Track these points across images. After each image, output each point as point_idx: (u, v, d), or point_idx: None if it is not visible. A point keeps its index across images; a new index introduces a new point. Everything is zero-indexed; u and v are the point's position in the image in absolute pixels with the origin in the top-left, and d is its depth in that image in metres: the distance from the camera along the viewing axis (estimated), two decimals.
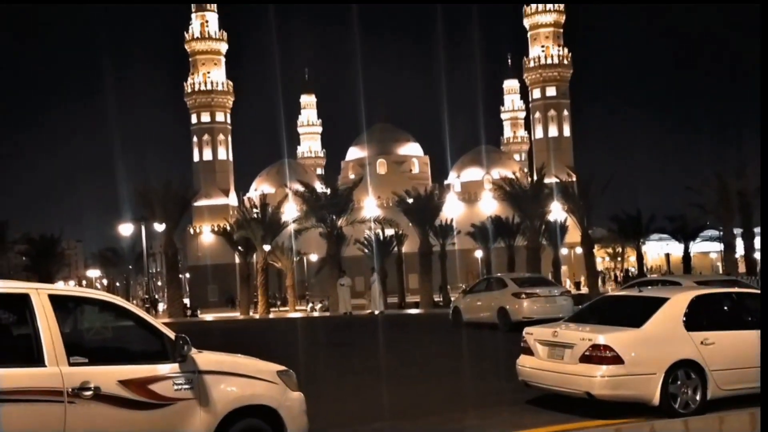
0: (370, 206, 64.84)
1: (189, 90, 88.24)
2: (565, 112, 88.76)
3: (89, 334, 6.35)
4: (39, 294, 5.64)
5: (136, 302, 62.43)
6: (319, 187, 67.79)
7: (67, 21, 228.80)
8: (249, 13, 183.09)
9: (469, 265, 68.81)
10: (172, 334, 6.20)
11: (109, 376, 5.67)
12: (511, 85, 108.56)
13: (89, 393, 5.50)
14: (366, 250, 55.13)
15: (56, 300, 5.73)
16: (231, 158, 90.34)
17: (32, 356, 5.44)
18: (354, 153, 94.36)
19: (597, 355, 9.30)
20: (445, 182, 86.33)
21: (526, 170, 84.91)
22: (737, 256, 49.53)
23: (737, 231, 49.57)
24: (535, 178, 63.66)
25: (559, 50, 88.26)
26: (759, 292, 12.78)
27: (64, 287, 7.03)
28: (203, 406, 6.14)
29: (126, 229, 56.70)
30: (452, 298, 37.70)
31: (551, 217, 56.54)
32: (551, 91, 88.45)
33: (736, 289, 12.73)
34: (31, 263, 49.81)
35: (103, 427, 5.61)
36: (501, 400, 10.43)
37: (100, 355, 5.92)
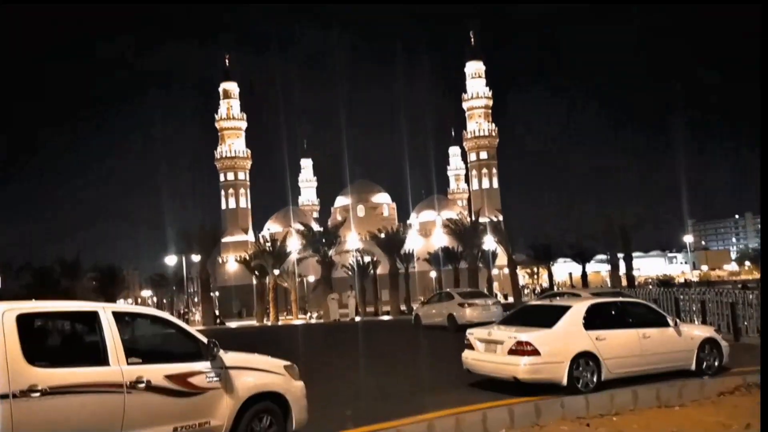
0: (352, 240, 64.80)
1: (218, 156, 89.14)
2: (494, 170, 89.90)
3: (143, 341, 6.29)
4: (105, 311, 5.65)
5: (176, 315, 61.70)
6: (315, 226, 67.94)
7: (126, 104, 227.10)
8: (264, 95, 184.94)
9: (426, 282, 68.45)
10: (204, 339, 6.19)
11: (157, 372, 5.66)
12: (454, 150, 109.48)
13: (142, 385, 5.49)
14: (350, 273, 54.97)
15: (117, 315, 5.73)
16: (249, 205, 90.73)
17: (99, 358, 5.41)
18: (340, 201, 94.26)
19: (520, 349, 9.32)
20: (408, 221, 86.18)
21: (466, 213, 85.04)
22: (620, 273, 49.82)
23: (620, 255, 49.94)
24: (473, 218, 63.90)
25: (488, 125, 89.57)
26: (637, 300, 12.89)
27: (124, 305, 6.99)
28: (229, 393, 6.13)
29: (170, 260, 56.50)
30: (414, 308, 37.56)
31: (485, 247, 56.82)
32: (483, 155, 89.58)
33: (620, 299, 12.89)
34: (99, 286, 49.15)
35: (153, 411, 5.59)
36: (451, 384, 10.38)
37: (151, 356, 5.88)
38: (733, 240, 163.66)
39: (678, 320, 11.49)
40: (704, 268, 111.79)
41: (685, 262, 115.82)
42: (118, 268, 52.15)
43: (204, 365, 6.04)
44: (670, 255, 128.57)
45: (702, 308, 17.83)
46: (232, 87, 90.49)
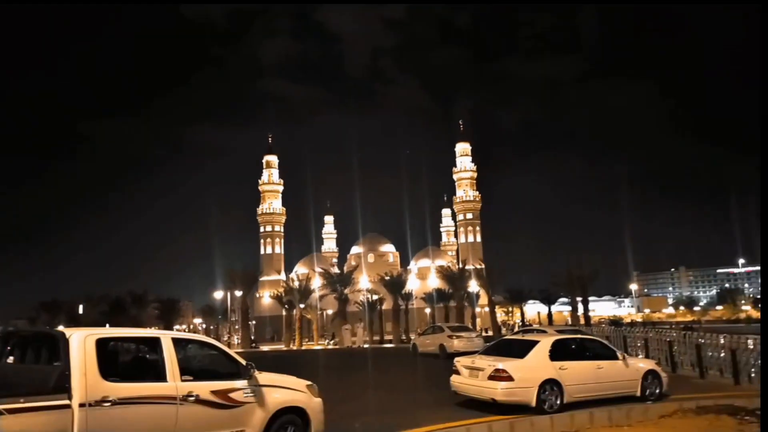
0: (363, 281, 64.48)
1: (260, 212, 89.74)
2: (477, 227, 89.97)
3: (194, 361, 6.23)
4: (165, 337, 5.62)
5: (219, 340, 60.89)
6: (334, 270, 67.59)
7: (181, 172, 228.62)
8: (296, 166, 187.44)
9: (422, 317, 67.51)
10: (243, 361, 6.12)
11: (205, 388, 5.59)
12: (446, 211, 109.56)
13: (193, 398, 5.42)
14: (360, 308, 54.45)
15: (175, 341, 5.69)
16: (282, 251, 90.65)
17: (159, 375, 5.37)
18: (355, 249, 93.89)
19: (498, 375, 9.16)
20: (408, 267, 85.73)
21: (455, 261, 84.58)
22: (579, 314, 49.05)
23: (579, 298, 49.32)
24: (460, 266, 63.50)
25: (473, 192, 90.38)
26: (593, 337, 12.65)
27: (179, 332, 6.95)
28: (261, 407, 6.02)
29: (218, 294, 56.34)
30: (412, 338, 37.00)
31: (470, 289, 56.32)
32: (469, 216, 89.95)
33: (579, 336, 12.67)
34: (160, 315, 48.83)
35: (200, 420, 5.50)
36: (441, 403, 10.14)
37: (200, 375, 5.80)
38: (670, 288, 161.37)
39: (626, 354, 11.28)
40: (647, 311, 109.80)
41: (632, 306, 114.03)
42: (176, 300, 51.84)
43: (242, 383, 5.96)
44: (619, 299, 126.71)
45: (645, 345, 17.48)
46: (272, 159, 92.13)
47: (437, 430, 7.64)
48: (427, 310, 64.12)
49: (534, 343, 9.96)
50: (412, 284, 65.67)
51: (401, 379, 15.86)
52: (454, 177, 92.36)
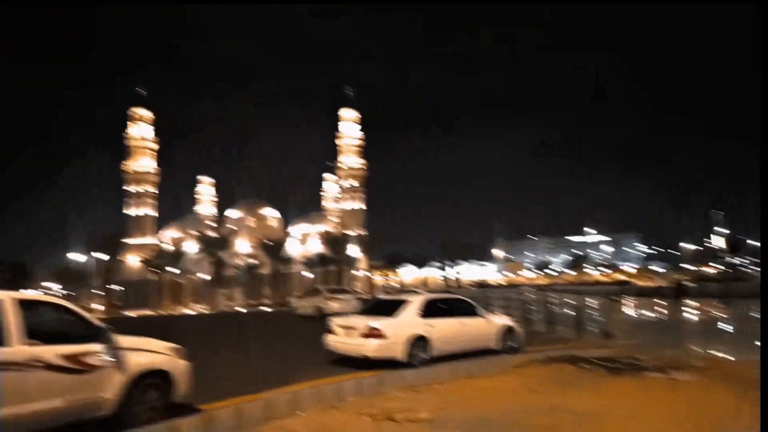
0: (242, 245, 62.80)
1: (127, 169, 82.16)
2: (361, 195, 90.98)
3: (45, 326, 5.68)
4: (6, 297, 5.07)
5: (80, 306, 56.11)
6: (210, 234, 64.82)
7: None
8: (176, 123, 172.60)
9: (302, 281, 67.75)
10: (100, 324, 5.73)
11: (54, 352, 5.15)
12: (330, 176, 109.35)
13: (41, 364, 4.97)
14: (239, 272, 53.16)
15: (20, 303, 5.15)
16: (153, 213, 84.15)
17: (2, 340, 4.84)
18: (233, 213, 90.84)
19: (371, 333, 9.47)
20: (290, 232, 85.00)
21: (338, 227, 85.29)
22: (450, 277, 52.30)
23: (449, 263, 52.54)
24: (342, 231, 64.25)
25: (359, 160, 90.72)
26: (459, 297, 13.42)
27: (26, 293, 6.28)
28: (120, 371, 5.69)
29: (78, 257, 51.43)
30: (291, 301, 36.97)
31: (351, 254, 57.37)
32: (354, 182, 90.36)
33: (447, 296, 13.41)
34: (11, 279, 43.86)
35: (48, 386, 5.07)
36: (315, 362, 10.27)
37: (51, 339, 5.31)
38: (530, 254, 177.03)
39: (487, 312, 12.22)
40: (509, 274, 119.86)
41: (497, 270, 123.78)
42: (21, 263, 46.77)
43: (98, 346, 5.58)
44: (485, 264, 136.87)
45: (505, 303, 19.17)
46: (144, 112, 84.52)
47: (308, 387, 7.75)
48: (308, 274, 64.35)
49: (406, 302, 10.41)
50: (294, 249, 65.28)
51: (276, 341, 15.83)
52: (338, 143, 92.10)
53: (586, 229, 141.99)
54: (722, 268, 60.88)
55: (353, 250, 57.74)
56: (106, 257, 47.03)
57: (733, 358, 11.13)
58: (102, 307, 51.16)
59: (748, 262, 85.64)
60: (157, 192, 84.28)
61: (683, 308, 14.89)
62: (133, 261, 75.02)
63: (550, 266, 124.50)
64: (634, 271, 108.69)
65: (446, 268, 53.15)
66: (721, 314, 14.32)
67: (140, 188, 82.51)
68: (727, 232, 63.78)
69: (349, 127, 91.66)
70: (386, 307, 10.77)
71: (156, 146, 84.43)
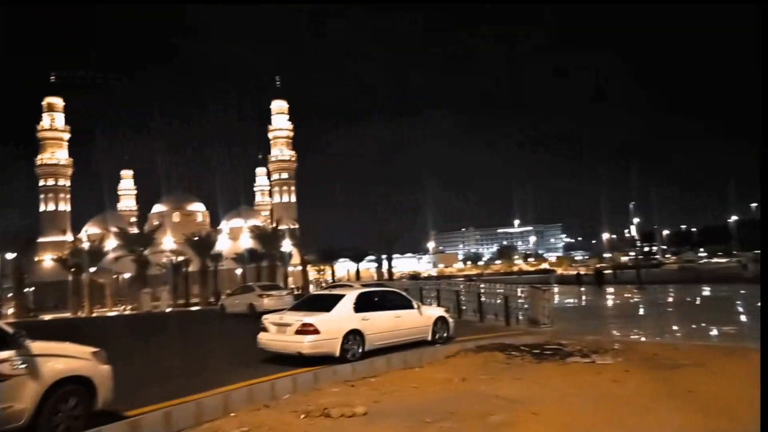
0: (167, 242, 60.25)
1: (39, 162, 77.09)
2: (292, 188, 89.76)
3: None
4: None
5: None
6: (132, 230, 61.77)
7: None
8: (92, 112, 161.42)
9: (232, 278, 65.88)
10: (10, 329, 5.29)
11: None
12: (261, 170, 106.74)
13: None
14: (164, 270, 50.97)
15: None
16: (68, 209, 79.24)
17: None
18: (158, 208, 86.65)
19: (305, 330, 9.37)
20: (219, 227, 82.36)
21: (269, 221, 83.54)
22: (384, 270, 52.75)
23: (384, 256, 52.94)
24: (274, 226, 63.14)
25: (289, 152, 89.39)
26: (393, 289, 13.53)
27: None
28: (34, 379, 5.28)
29: None
30: (222, 299, 35.91)
31: (283, 249, 56.48)
32: (285, 175, 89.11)
33: (381, 289, 13.49)
34: None
35: None
36: (247, 361, 10.02)
37: None
38: (461, 246, 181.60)
39: (420, 304, 12.40)
40: (441, 266, 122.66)
41: (429, 262, 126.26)
42: None
43: (8, 353, 5.15)
44: (418, 256, 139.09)
45: (438, 295, 19.56)
46: (56, 101, 78.89)
47: (241, 387, 7.57)
48: (239, 271, 62.71)
49: (340, 297, 10.37)
50: (223, 245, 63.42)
51: (206, 341, 15.35)
52: (270, 135, 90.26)
53: (515, 222, 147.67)
54: (636, 255, 65.34)
55: (286, 245, 56.86)
56: (14, 256, 43.55)
57: (646, 340, 11.96)
58: (12, 311, 47.49)
59: (656, 249, 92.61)
60: (69, 186, 79.37)
61: (603, 294, 15.78)
62: (47, 261, 70.24)
63: (479, 256, 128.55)
64: (554, 259, 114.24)
65: (381, 261, 53.54)
66: (636, 299, 15.30)
67: (54, 182, 77.34)
68: (638, 221, 68.45)
69: (280, 118, 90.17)
70: (320, 302, 10.71)
71: (67, 135, 79.20)
